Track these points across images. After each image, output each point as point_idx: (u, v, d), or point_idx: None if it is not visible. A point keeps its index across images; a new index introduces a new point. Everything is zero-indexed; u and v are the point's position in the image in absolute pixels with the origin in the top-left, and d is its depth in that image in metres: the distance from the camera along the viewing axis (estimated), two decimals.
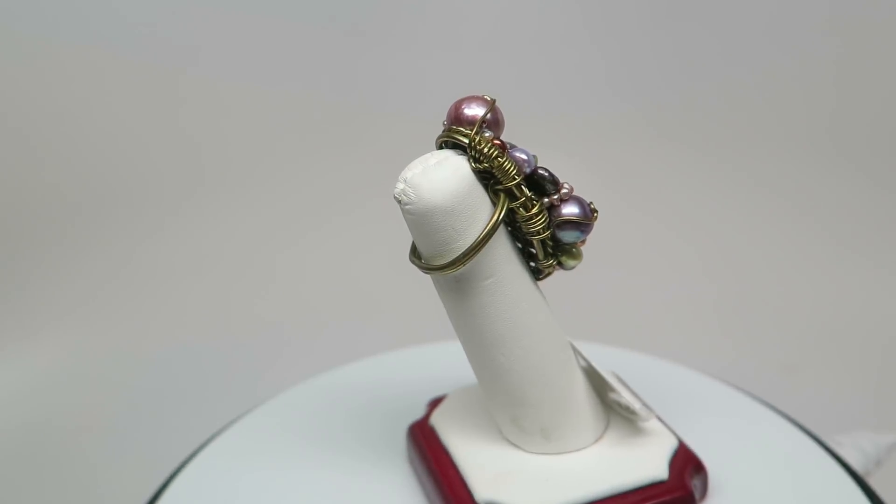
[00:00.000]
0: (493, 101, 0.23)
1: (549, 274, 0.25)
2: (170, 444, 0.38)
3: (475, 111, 0.23)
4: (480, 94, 0.23)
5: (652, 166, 0.82)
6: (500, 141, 0.23)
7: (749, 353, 0.69)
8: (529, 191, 0.23)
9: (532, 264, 0.25)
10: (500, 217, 0.22)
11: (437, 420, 0.30)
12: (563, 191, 0.23)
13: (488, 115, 0.23)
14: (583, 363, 0.27)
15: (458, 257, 0.22)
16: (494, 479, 0.26)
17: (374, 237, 0.73)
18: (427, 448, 0.29)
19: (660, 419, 0.29)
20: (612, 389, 0.26)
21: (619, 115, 0.81)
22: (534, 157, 0.24)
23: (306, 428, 0.34)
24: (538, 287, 0.26)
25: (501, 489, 0.26)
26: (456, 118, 0.23)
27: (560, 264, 0.25)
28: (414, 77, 0.81)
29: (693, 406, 0.33)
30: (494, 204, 0.23)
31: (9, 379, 0.69)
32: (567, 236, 0.24)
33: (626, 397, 0.26)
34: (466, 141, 0.22)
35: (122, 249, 0.78)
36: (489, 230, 0.22)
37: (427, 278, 0.25)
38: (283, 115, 0.81)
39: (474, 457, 0.27)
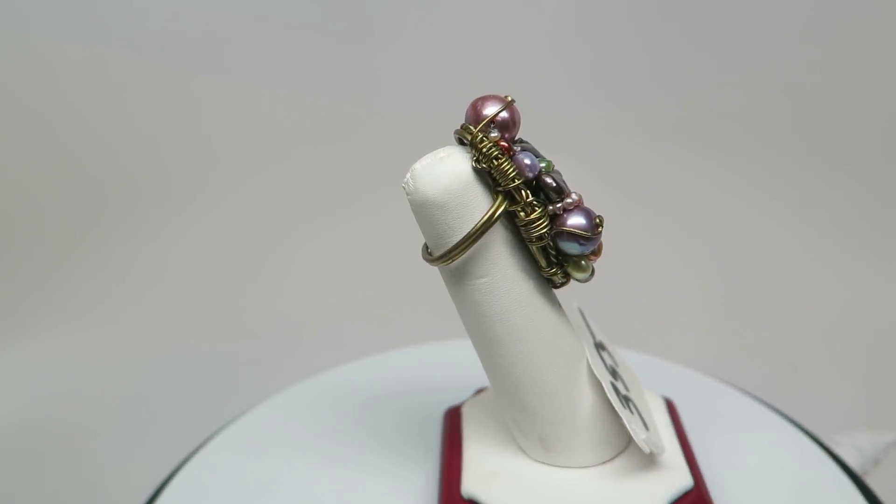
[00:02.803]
0: (510, 102, 0.23)
1: (563, 283, 0.25)
2: (178, 441, 0.38)
3: (488, 110, 0.23)
4: (498, 94, 0.23)
5: (648, 167, 0.82)
6: (507, 142, 0.23)
7: (747, 352, 0.69)
8: (535, 196, 0.23)
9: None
10: (493, 217, 0.22)
11: (467, 408, 0.31)
12: (567, 200, 0.23)
13: (498, 115, 0.23)
14: (599, 379, 0.26)
15: (446, 252, 0.23)
16: (485, 477, 0.26)
17: (385, 236, 0.73)
18: (448, 433, 0.30)
19: (689, 458, 0.27)
20: (618, 414, 0.25)
21: (611, 117, 0.81)
22: (546, 162, 0.23)
23: (331, 417, 0.35)
24: (551, 296, 0.25)
25: (486, 487, 0.26)
26: (472, 116, 0.23)
27: (567, 275, 0.24)
28: (425, 78, 0.80)
29: (691, 405, 0.33)
30: None
31: (18, 376, 0.69)
32: (567, 247, 0.23)
33: (628, 425, 0.24)
34: (469, 139, 0.23)
35: (130, 247, 0.78)
36: (477, 229, 0.22)
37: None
38: (296, 115, 0.81)
39: (480, 451, 0.28)
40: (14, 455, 0.60)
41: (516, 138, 0.24)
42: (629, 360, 0.33)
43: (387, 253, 0.74)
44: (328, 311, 0.76)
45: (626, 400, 0.27)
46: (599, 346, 0.29)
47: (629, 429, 0.24)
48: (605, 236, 0.23)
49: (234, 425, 0.35)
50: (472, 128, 0.23)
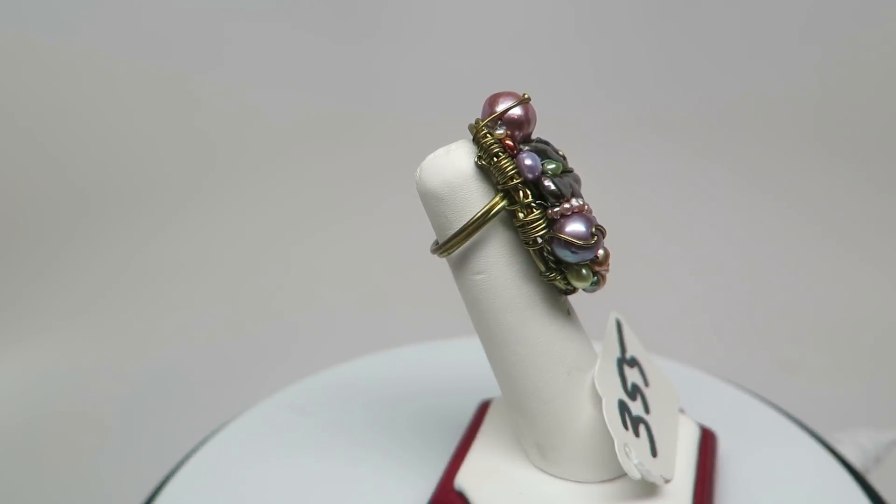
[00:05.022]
0: (524, 100, 0.23)
1: (570, 290, 0.24)
2: (179, 440, 0.37)
3: (499, 107, 0.23)
4: (515, 91, 0.23)
5: (649, 167, 0.81)
6: (512, 141, 0.22)
7: (749, 350, 0.70)
8: (537, 198, 0.22)
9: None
10: (489, 214, 0.22)
11: (495, 403, 0.31)
12: (565, 206, 0.22)
13: (509, 112, 0.22)
14: (600, 395, 0.25)
15: (442, 244, 0.23)
16: (480, 473, 0.27)
17: (390, 234, 0.73)
18: (472, 424, 0.30)
19: (699, 494, 0.25)
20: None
21: (613, 116, 0.81)
22: (555, 164, 0.23)
23: (344, 414, 0.35)
24: (557, 302, 0.25)
25: (477, 483, 0.26)
26: (487, 112, 0.23)
27: (568, 282, 0.23)
28: (426, 77, 0.79)
29: (692, 404, 0.33)
30: None
31: (18, 376, 0.68)
32: (562, 254, 0.22)
33: (619, 447, 0.23)
34: (473, 134, 0.23)
35: (130, 248, 0.77)
36: (470, 224, 0.22)
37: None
38: (295, 115, 0.78)
39: (488, 447, 0.28)
40: (14, 455, 0.59)
41: (534, 138, 0.24)
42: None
43: (392, 250, 0.75)
44: (332, 309, 0.75)
45: (637, 421, 0.25)
46: (628, 362, 0.27)
47: (618, 451, 0.23)
48: (609, 237, 0.22)
49: (235, 424, 0.35)
50: (479, 124, 0.23)
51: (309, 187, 0.81)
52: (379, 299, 0.76)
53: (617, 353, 0.27)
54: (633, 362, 0.28)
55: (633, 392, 0.26)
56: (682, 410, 0.30)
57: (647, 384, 0.28)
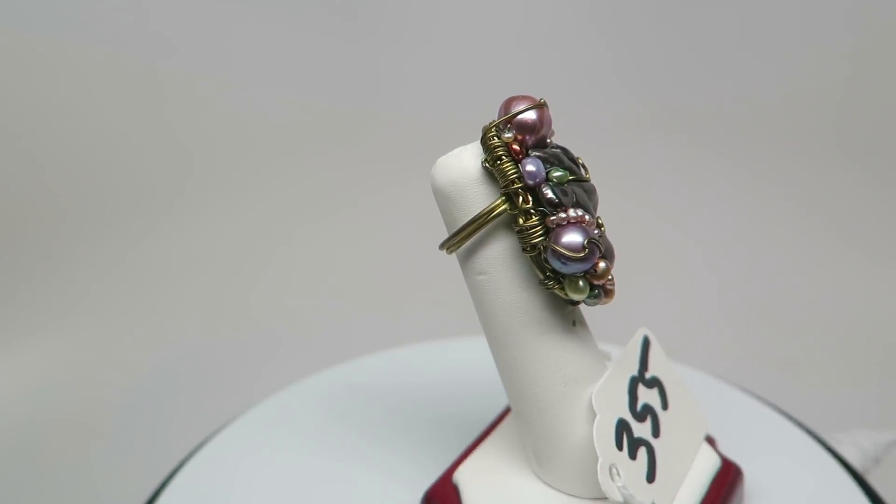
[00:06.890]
0: (539, 105, 0.22)
1: (575, 301, 0.23)
2: (181, 438, 0.38)
3: (513, 110, 0.23)
4: (532, 95, 0.23)
5: (655, 164, 0.81)
6: (519, 145, 0.22)
7: (749, 351, 0.70)
8: (539, 205, 0.22)
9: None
10: (490, 215, 0.22)
11: None
12: (561, 215, 0.22)
13: (519, 116, 0.22)
14: (595, 410, 0.24)
15: (445, 241, 0.24)
16: (479, 470, 0.27)
17: (387, 232, 0.72)
18: (492, 423, 0.30)
19: None
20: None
21: (624, 114, 0.80)
22: (562, 172, 0.22)
23: (354, 406, 0.35)
24: (561, 311, 0.24)
25: (472, 479, 0.26)
26: (502, 114, 0.23)
27: (565, 292, 0.23)
28: (416, 77, 0.78)
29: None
30: None
31: (17, 376, 0.67)
32: (553, 264, 0.22)
33: (601, 467, 0.23)
34: (481, 136, 0.23)
35: (118, 249, 0.75)
36: (470, 223, 0.23)
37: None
38: (294, 114, 0.76)
39: (497, 446, 0.28)
40: (13, 456, 0.58)
41: (552, 143, 0.23)
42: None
43: (402, 248, 0.74)
44: (338, 306, 0.74)
45: (638, 444, 0.25)
46: (646, 381, 0.26)
47: (599, 470, 0.23)
48: (610, 234, 0.22)
49: (240, 421, 0.35)
50: (490, 125, 0.23)
51: (320, 182, 0.80)
52: (391, 299, 0.75)
53: (633, 371, 0.26)
54: (654, 383, 0.27)
55: (643, 413, 0.26)
56: (710, 440, 0.29)
57: (665, 407, 0.27)
